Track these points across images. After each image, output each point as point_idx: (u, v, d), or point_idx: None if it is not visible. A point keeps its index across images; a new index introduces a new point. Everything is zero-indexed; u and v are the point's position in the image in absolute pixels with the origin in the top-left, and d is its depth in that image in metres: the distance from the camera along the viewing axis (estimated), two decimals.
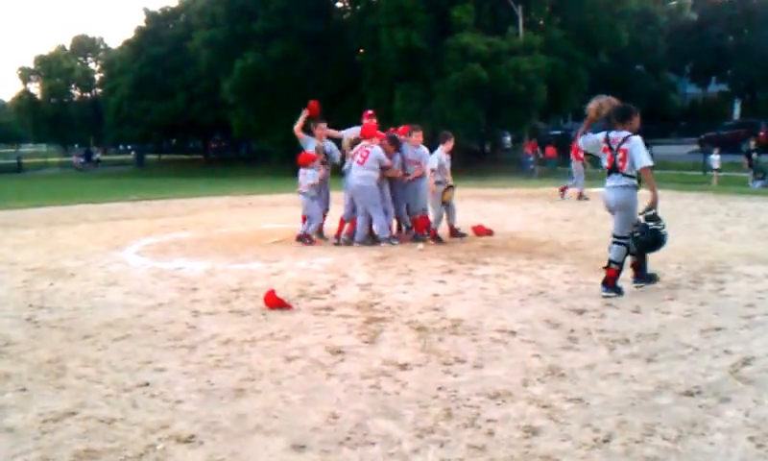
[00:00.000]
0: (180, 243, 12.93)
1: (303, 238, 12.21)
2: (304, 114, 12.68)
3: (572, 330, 6.61)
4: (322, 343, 6.34)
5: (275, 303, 7.64)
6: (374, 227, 12.08)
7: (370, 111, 12.90)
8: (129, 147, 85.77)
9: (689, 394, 5.00)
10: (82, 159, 68.43)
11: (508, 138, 55.69)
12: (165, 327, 7.04)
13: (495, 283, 8.76)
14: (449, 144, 12.55)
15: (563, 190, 20.99)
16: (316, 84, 43.14)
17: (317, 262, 10.50)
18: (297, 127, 12.67)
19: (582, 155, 19.52)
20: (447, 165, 12.47)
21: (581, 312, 7.28)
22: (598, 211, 16.77)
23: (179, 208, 21.08)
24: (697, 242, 11.78)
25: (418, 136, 12.57)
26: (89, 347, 6.42)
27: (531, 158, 36.15)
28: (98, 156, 75.29)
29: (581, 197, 20.20)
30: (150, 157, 76.81)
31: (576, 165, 20.61)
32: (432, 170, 12.11)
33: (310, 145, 12.64)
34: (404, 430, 4.48)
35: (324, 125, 12.80)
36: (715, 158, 27.49)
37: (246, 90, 43.64)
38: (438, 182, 12.24)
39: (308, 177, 12.30)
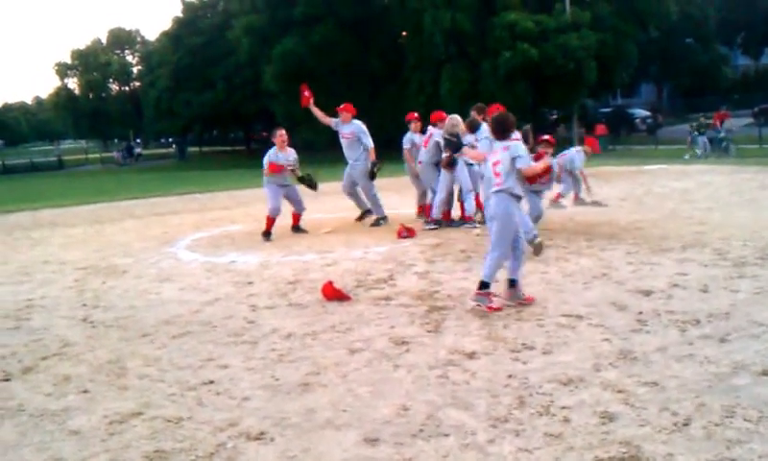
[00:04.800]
0: (230, 236, 12.95)
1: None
2: (313, 107, 12.58)
3: (640, 313, 6.44)
4: (385, 334, 6.25)
5: (333, 294, 7.55)
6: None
7: None
8: (170, 140, 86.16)
9: (767, 374, 4.85)
10: (122, 154, 69.25)
11: (554, 117, 55.17)
12: (224, 322, 6.99)
13: (557, 266, 8.61)
14: None
15: None
16: (358, 69, 43.13)
17: (372, 251, 10.39)
18: (322, 117, 12.72)
19: None
20: None
21: (647, 293, 7.09)
22: (656, 189, 16.60)
23: (226, 201, 21.25)
24: (761, 217, 11.53)
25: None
26: (149, 345, 6.39)
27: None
28: (139, 150, 75.99)
29: None
30: (191, 149, 77.24)
31: None
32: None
33: (346, 128, 12.57)
34: (477, 420, 4.38)
35: None
36: None
37: (287, 77, 43.73)
38: None
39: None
